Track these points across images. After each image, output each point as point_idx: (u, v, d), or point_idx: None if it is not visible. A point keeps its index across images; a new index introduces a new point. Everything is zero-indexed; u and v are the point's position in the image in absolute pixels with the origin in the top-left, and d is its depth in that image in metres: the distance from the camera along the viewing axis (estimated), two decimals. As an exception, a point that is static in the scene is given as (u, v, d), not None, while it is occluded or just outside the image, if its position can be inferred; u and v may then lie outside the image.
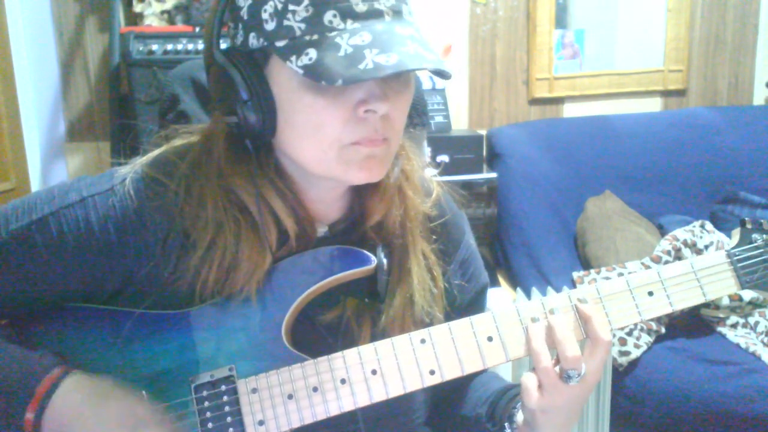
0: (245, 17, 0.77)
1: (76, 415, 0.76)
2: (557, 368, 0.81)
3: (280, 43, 0.75)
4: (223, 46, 0.82)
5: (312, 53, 0.73)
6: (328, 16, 0.74)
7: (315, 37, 0.74)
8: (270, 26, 0.75)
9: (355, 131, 0.78)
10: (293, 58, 0.74)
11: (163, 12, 2.48)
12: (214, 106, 0.85)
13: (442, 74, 0.78)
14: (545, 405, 0.82)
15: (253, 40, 0.77)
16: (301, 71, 0.73)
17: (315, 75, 0.72)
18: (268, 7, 0.75)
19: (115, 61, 2.38)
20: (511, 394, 0.95)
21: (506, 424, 0.92)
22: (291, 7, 0.74)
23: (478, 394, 1.01)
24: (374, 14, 0.76)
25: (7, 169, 2.33)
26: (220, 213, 0.84)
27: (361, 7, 0.75)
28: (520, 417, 0.89)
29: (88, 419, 0.75)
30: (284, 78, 0.78)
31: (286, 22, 0.75)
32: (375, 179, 0.83)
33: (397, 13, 0.77)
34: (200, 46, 2.29)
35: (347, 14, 0.75)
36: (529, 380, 0.82)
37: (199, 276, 0.83)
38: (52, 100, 2.63)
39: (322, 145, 0.79)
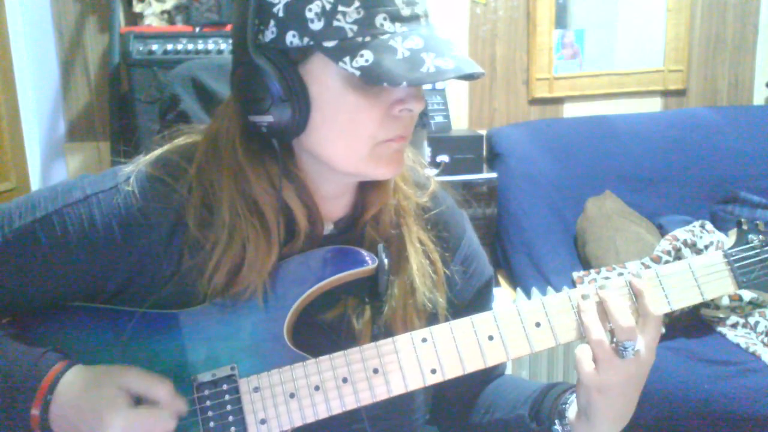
0: (281, 14, 0.77)
1: (75, 406, 0.76)
2: (612, 342, 0.82)
3: (328, 44, 0.75)
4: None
5: (367, 55, 0.74)
6: (379, 19, 0.75)
7: (368, 39, 0.75)
8: (316, 26, 0.75)
9: (390, 129, 0.80)
10: (346, 59, 0.74)
11: (163, 12, 2.48)
12: (239, 104, 0.85)
13: (472, 76, 0.80)
14: (601, 382, 0.81)
15: (293, 39, 0.77)
16: (357, 72, 0.74)
17: (374, 77, 0.73)
18: (314, 7, 0.75)
19: (115, 61, 2.38)
20: (557, 390, 0.94)
21: (556, 421, 0.90)
22: (341, 8, 0.74)
23: (512, 396, 1.00)
24: (415, 18, 0.78)
25: (7, 169, 2.33)
26: (236, 217, 0.84)
27: (405, 11, 0.77)
28: (572, 412, 0.88)
29: (85, 409, 0.76)
30: (326, 77, 0.78)
31: (336, 23, 0.75)
32: (399, 173, 0.86)
33: (427, 17, 0.80)
34: (200, 46, 2.29)
35: (395, 18, 0.76)
36: (583, 353, 0.82)
37: (207, 277, 0.83)
38: (52, 100, 2.63)
39: (356, 143, 0.80)
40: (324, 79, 0.78)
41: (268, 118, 0.80)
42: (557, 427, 0.90)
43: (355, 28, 0.75)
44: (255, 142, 0.85)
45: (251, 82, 0.80)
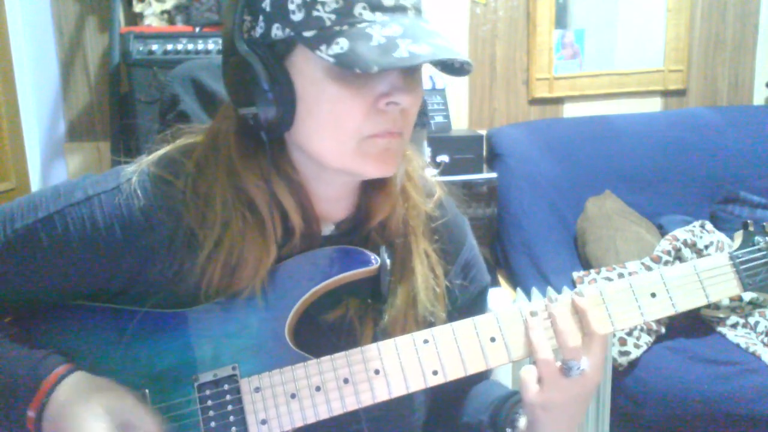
0: (268, 9, 0.77)
1: (68, 411, 0.76)
2: (558, 362, 0.82)
3: (308, 33, 0.75)
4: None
5: (343, 43, 0.73)
6: (358, 8, 0.75)
7: (345, 27, 0.75)
8: (297, 17, 0.76)
9: (375, 123, 0.79)
10: (323, 47, 0.74)
11: (163, 12, 2.48)
12: (220, 96, 0.85)
13: (461, 68, 0.79)
14: (545, 400, 0.82)
15: (277, 31, 0.77)
16: (332, 60, 0.73)
17: (348, 63, 0.72)
18: None
19: (115, 61, 2.37)
20: (513, 399, 0.96)
21: (508, 430, 0.92)
22: None
23: (479, 401, 1.01)
24: (400, 9, 0.77)
25: (7, 169, 2.33)
26: (228, 210, 0.84)
27: (388, 1, 0.76)
28: (522, 422, 0.90)
29: (69, 419, 0.75)
30: (309, 68, 0.78)
31: (315, 13, 0.75)
32: (389, 173, 0.83)
33: (417, 10, 0.79)
34: (200, 46, 2.29)
35: (376, 7, 0.76)
36: (528, 373, 0.83)
37: (205, 274, 0.83)
38: (52, 100, 2.63)
39: (342, 137, 0.79)
40: (306, 71, 0.78)
41: (255, 112, 0.80)
42: None
43: (333, 17, 0.75)
44: (249, 138, 0.85)
45: (238, 75, 0.80)
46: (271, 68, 0.78)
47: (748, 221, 0.89)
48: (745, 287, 0.86)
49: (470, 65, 0.79)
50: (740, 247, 0.87)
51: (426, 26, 0.78)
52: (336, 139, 0.80)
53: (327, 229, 0.91)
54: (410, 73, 0.80)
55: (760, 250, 0.87)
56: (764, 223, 0.88)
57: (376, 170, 0.82)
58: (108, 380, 0.80)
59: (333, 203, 0.91)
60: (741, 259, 0.86)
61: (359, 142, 0.79)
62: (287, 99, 0.79)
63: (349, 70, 0.74)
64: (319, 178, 0.88)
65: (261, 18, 0.78)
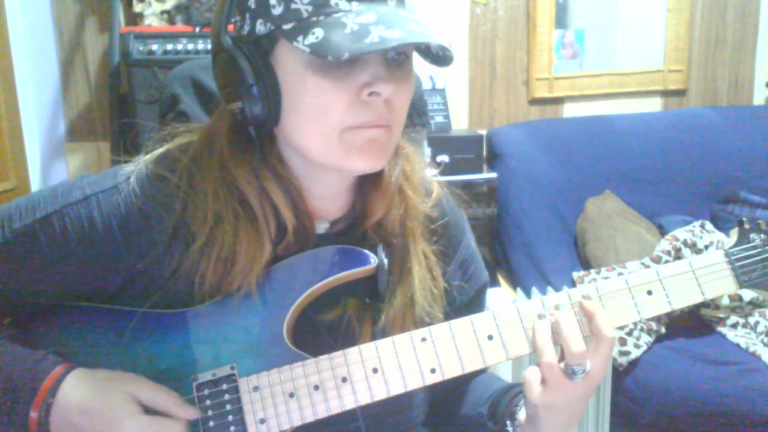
0: (252, 6, 0.79)
1: (82, 410, 0.76)
2: (562, 364, 0.81)
3: (287, 26, 0.76)
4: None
5: (318, 32, 0.74)
6: None
7: (321, 18, 0.75)
8: (277, 11, 0.77)
9: (359, 114, 0.79)
10: (300, 38, 0.75)
11: (163, 12, 2.48)
12: (218, 96, 0.86)
13: (444, 57, 0.80)
14: (548, 401, 0.82)
15: (261, 27, 0.78)
16: (307, 50, 0.74)
17: (321, 51, 0.73)
18: None
19: (115, 61, 2.38)
20: (513, 392, 0.95)
21: (508, 422, 0.92)
22: None
23: (478, 394, 1.01)
24: None
25: (7, 169, 2.33)
26: (220, 204, 0.84)
27: None
28: (522, 415, 0.90)
29: (94, 413, 0.76)
30: (290, 61, 0.79)
31: (293, 6, 0.76)
32: (377, 167, 0.83)
33: (399, 1, 0.80)
34: (200, 45, 2.29)
35: None
36: (532, 374, 0.83)
37: (198, 270, 0.83)
38: (52, 100, 2.63)
39: (326, 129, 0.79)
40: (288, 65, 0.79)
41: (242, 107, 0.80)
42: (509, 428, 0.91)
43: (310, 8, 0.76)
44: (241, 134, 0.86)
45: (225, 71, 0.81)
46: (255, 63, 0.79)
47: (744, 219, 0.89)
48: (741, 284, 0.86)
49: (450, 51, 0.79)
50: (735, 245, 0.88)
51: (405, 14, 0.78)
52: (320, 132, 0.80)
53: (321, 227, 0.91)
54: (396, 65, 0.80)
55: (755, 247, 0.87)
56: (759, 221, 0.88)
57: (362, 163, 0.81)
58: (113, 373, 0.80)
59: (327, 201, 0.91)
60: (736, 257, 0.87)
61: (342, 133, 0.79)
62: (272, 94, 0.80)
63: (323, 59, 0.74)
64: (310, 175, 0.88)
65: (247, 15, 0.80)
